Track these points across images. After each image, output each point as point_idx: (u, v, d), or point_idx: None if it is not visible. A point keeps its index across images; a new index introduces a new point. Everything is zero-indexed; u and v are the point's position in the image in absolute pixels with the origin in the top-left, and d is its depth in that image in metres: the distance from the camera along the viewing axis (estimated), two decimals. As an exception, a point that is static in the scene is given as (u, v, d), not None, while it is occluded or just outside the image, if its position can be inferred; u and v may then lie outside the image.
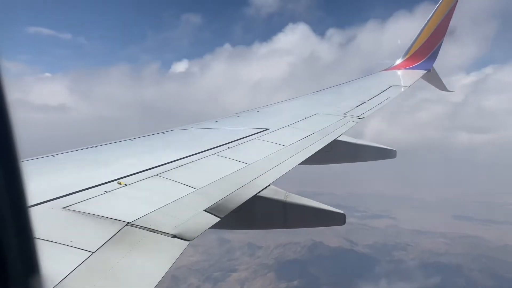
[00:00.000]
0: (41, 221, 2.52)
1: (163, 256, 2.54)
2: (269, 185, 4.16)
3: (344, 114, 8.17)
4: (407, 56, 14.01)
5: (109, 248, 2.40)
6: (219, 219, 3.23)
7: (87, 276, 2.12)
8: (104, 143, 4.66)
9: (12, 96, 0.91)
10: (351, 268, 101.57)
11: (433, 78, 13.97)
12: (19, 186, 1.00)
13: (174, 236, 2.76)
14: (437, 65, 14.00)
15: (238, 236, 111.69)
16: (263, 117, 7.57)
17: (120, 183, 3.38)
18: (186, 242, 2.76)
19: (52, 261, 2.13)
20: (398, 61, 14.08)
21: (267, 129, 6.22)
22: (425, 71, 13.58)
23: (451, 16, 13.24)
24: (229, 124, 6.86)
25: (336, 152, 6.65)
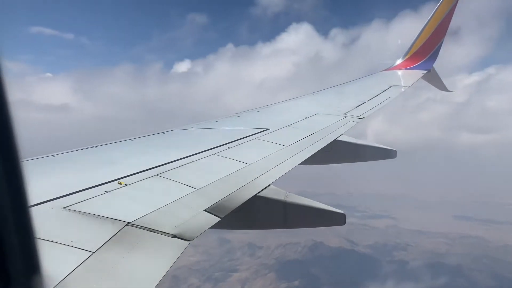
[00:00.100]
0: (42, 221, 2.53)
1: (164, 256, 2.54)
2: (269, 185, 4.17)
3: (344, 114, 8.18)
4: (407, 56, 14.01)
5: (109, 248, 2.40)
6: (219, 219, 3.23)
7: (87, 276, 2.12)
8: (104, 143, 4.66)
9: (14, 96, 0.92)
10: (352, 268, 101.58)
11: (433, 78, 13.98)
12: (20, 186, 1.00)
13: (174, 236, 2.77)
14: (439, 65, 14.03)
15: (239, 236, 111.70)
16: (263, 117, 7.57)
17: (121, 183, 3.38)
18: (187, 242, 2.76)
19: (53, 261, 2.13)
20: (399, 61, 14.07)
21: (267, 129, 6.22)
22: (425, 71, 13.58)
23: (452, 16, 13.24)
24: (229, 124, 6.86)
25: (336, 152, 6.65)
